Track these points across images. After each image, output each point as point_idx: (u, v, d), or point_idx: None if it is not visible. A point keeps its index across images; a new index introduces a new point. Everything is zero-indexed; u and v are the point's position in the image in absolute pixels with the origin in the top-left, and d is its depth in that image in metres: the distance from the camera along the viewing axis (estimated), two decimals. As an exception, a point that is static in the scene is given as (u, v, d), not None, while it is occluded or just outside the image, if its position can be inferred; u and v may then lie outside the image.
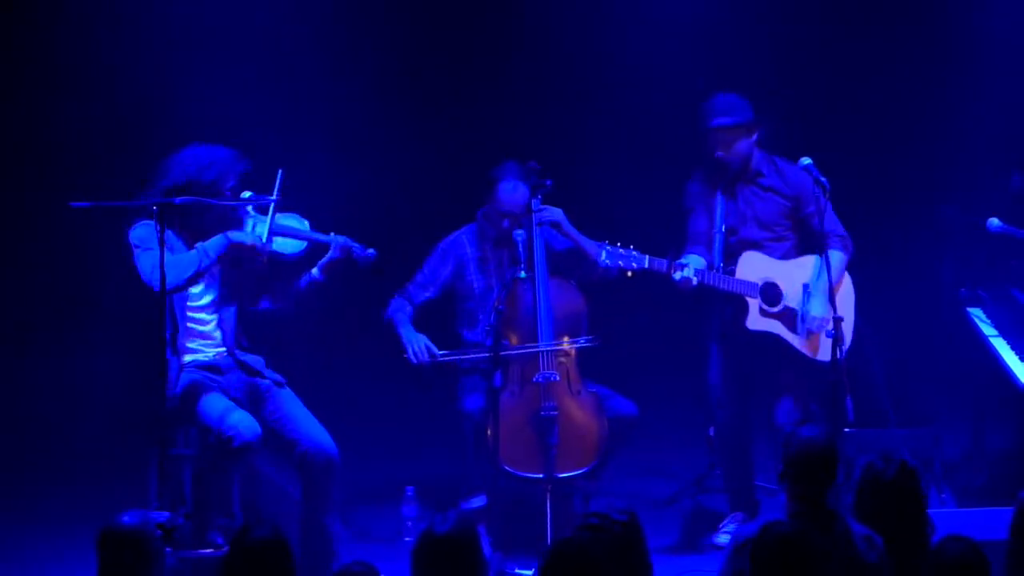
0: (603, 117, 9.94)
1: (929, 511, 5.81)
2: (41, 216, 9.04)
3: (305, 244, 7.62)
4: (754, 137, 8.01)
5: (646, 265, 7.70)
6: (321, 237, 7.63)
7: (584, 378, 7.99)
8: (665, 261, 7.72)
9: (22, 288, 9.41)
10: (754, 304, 7.85)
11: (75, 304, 9.23)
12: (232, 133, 7.72)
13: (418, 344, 8.04)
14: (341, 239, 7.60)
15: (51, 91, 9.33)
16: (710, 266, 7.87)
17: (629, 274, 7.72)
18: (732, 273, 7.88)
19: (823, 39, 9.92)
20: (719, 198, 8.00)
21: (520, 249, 7.95)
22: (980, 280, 8.65)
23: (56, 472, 8.97)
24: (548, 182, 8.06)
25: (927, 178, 9.76)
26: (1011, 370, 8.19)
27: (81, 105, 9.30)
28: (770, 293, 7.87)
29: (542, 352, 7.86)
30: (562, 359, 7.91)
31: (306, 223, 7.67)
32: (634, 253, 7.70)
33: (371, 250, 7.65)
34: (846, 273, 8.05)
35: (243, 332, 7.60)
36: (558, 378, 7.88)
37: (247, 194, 7.49)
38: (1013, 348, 8.28)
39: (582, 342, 7.94)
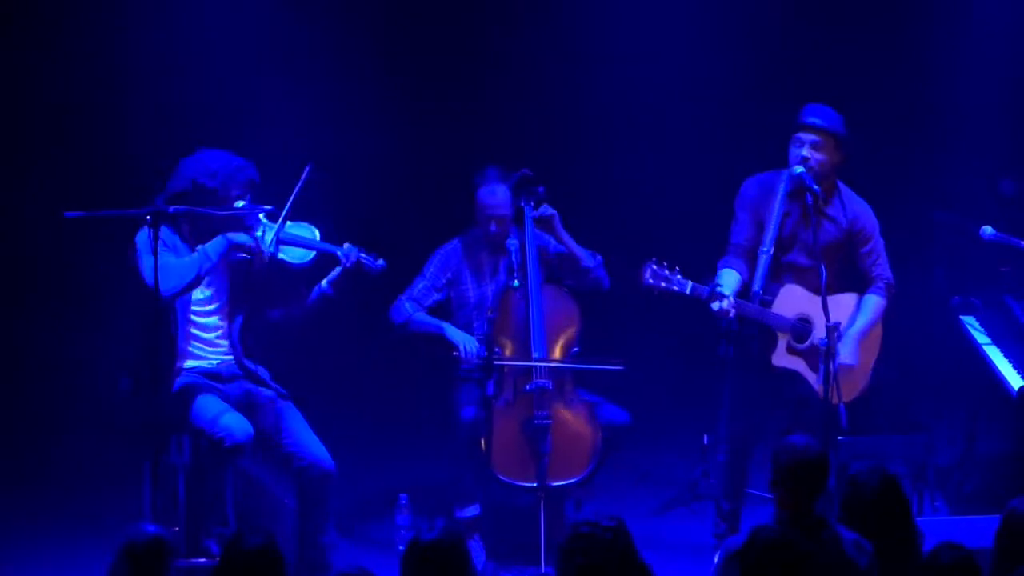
0: (598, 123, 9.95)
1: (921, 518, 5.82)
2: (36, 223, 9.03)
3: (314, 254, 7.60)
4: (838, 158, 7.74)
5: (687, 291, 7.50)
6: (331, 248, 7.61)
7: (577, 386, 8.00)
8: (707, 288, 7.49)
9: (16, 295, 9.41)
10: (783, 340, 7.65)
11: (71, 310, 9.24)
12: (228, 136, 7.74)
13: (471, 344, 8.00)
14: (354, 251, 7.59)
15: (48, 95, 9.33)
16: (745, 286, 7.68)
17: (656, 293, 7.55)
18: (769, 304, 7.65)
19: (816, 46, 9.93)
20: (776, 214, 7.73)
21: (514, 258, 7.96)
22: (973, 287, 8.65)
23: (50, 480, 8.97)
24: (541, 189, 8.07)
25: (919, 185, 9.77)
26: (1004, 378, 8.21)
27: (78, 110, 9.31)
28: (800, 329, 7.65)
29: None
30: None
31: (317, 232, 7.65)
32: (678, 277, 7.51)
33: (381, 261, 7.64)
34: (879, 325, 7.88)
35: (251, 342, 7.60)
36: (551, 386, 7.88)
37: (240, 203, 7.49)
38: (1007, 356, 8.29)
39: (607, 367, 7.90)
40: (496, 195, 8.09)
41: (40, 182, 9.26)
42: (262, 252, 7.43)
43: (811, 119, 7.72)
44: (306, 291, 7.64)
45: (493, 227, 8.10)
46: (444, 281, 8.24)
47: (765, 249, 7.73)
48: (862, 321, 7.79)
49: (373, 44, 9.66)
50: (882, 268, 7.87)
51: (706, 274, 7.84)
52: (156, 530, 5.47)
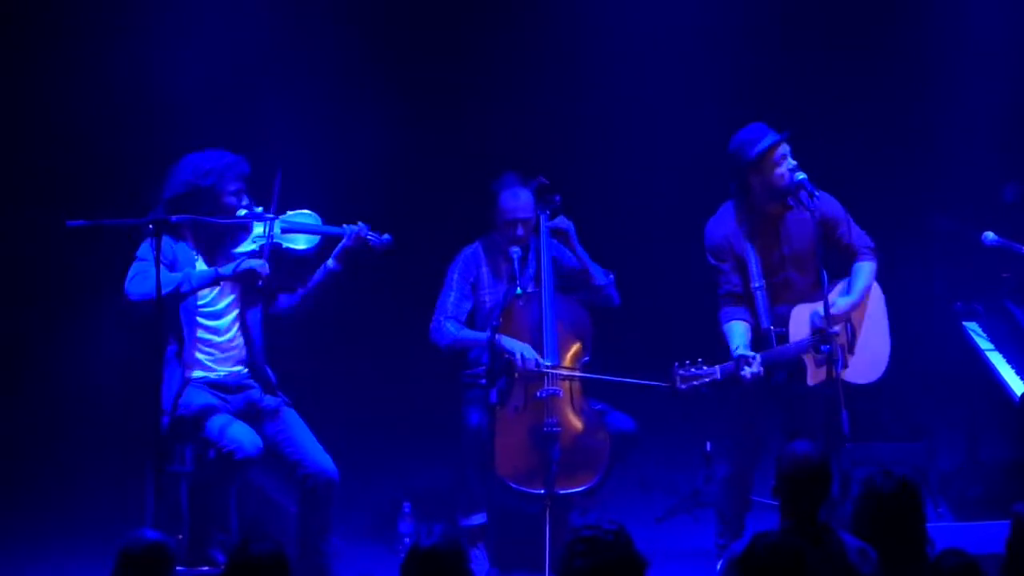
0: (608, 132, 9.96)
1: (927, 525, 5.80)
2: (38, 231, 9.03)
3: (318, 239, 7.64)
4: None
5: (719, 376, 7.46)
6: (334, 229, 7.64)
7: (586, 394, 7.99)
8: (732, 364, 7.45)
9: (19, 303, 9.41)
10: (810, 360, 7.59)
11: (73, 319, 9.24)
12: (235, 144, 7.75)
13: (528, 352, 7.91)
14: (355, 228, 7.61)
15: (49, 102, 9.34)
16: (755, 330, 7.63)
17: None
18: (785, 335, 7.61)
19: (814, 50, 9.94)
20: (749, 247, 7.72)
21: (516, 266, 7.96)
22: (973, 293, 8.66)
23: (53, 489, 8.96)
24: (557, 197, 8.06)
25: (919, 189, 9.78)
26: (1007, 383, 8.20)
27: (80, 118, 9.31)
28: (818, 342, 7.58)
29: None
30: (563, 377, 7.91)
31: (317, 218, 7.68)
32: (704, 368, 7.46)
33: (386, 235, 7.67)
34: (878, 289, 7.88)
35: (267, 339, 7.61)
36: (561, 394, 7.87)
37: (243, 212, 7.50)
38: (1009, 361, 8.29)
39: (658, 384, 7.80)
40: (519, 198, 8.08)
41: (42, 190, 9.26)
42: (260, 273, 7.41)
43: (775, 136, 7.68)
44: (312, 277, 7.66)
45: (519, 230, 8.06)
46: (470, 286, 8.22)
47: (757, 285, 7.71)
48: (859, 284, 7.79)
49: (378, 51, 9.66)
50: (858, 237, 7.85)
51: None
52: (155, 536, 5.47)
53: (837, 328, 7.49)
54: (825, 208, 7.78)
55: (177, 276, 7.30)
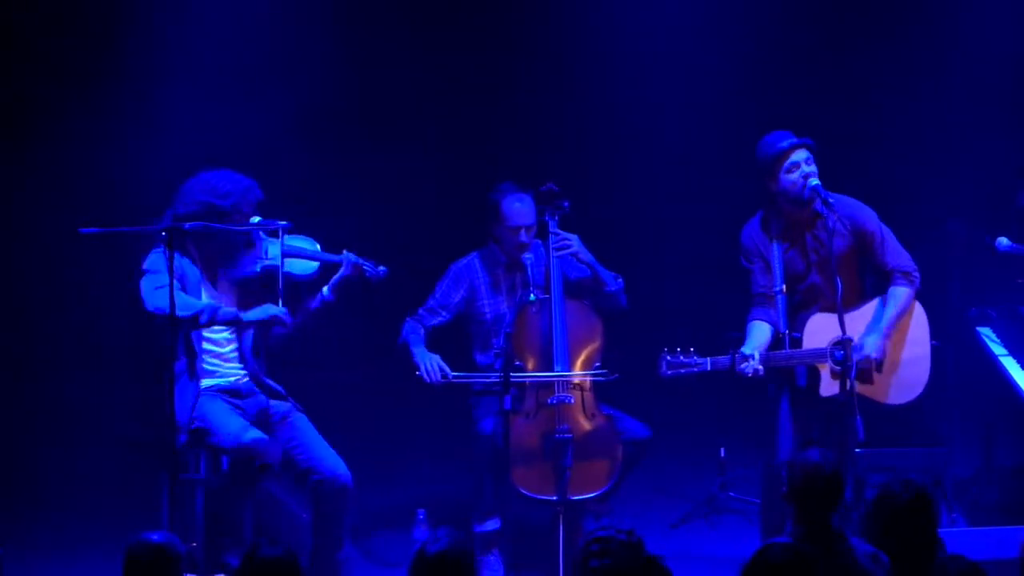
0: (616, 137, 9.96)
1: (940, 531, 5.79)
2: (51, 240, 9.06)
3: (317, 265, 7.65)
4: None
5: (709, 368, 7.53)
6: (332, 257, 7.65)
7: (598, 400, 7.99)
8: (728, 358, 7.50)
9: (34, 312, 9.43)
10: (825, 370, 7.62)
11: (89, 328, 9.26)
12: (239, 156, 7.78)
13: (431, 364, 7.98)
14: (352, 257, 7.63)
15: (62, 114, 9.38)
16: (775, 333, 7.68)
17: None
18: (798, 341, 7.66)
19: (827, 53, 9.94)
20: (776, 251, 7.78)
21: (530, 272, 7.96)
22: (988, 298, 8.64)
23: (68, 499, 8.98)
24: (566, 204, 8.06)
25: (933, 194, 9.76)
26: (1021, 389, 8.18)
27: (89, 129, 9.35)
28: (839, 352, 7.57)
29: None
30: (577, 381, 7.92)
31: (316, 244, 7.70)
32: (695, 359, 7.53)
33: (382, 267, 7.68)
34: (918, 306, 7.85)
35: (264, 357, 7.62)
36: (572, 400, 7.88)
37: (256, 219, 7.52)
38: (1023, 367, 8.28)
39: (599, 376, 7.89)
40: (524, 205, 8.08)
41: (55, 197, 9.29)
42: (284, 320, 7.43)
43: (792, 140, 7.72)
44: (307, 304, 7.67)
45: (523, 236, 8.07)
46: (458, 299, 8.21)
47: (778, 289, 7.74)
48: (887, 314, 7.76)
49: (379, 57, 9.69)
50: (895, 258, 7.84)
51: (730, 289, 7.89)
52: (160, 537, 5.47)
53: (857, 345, 7.46)
54: (857, 219, 7.80)
55: (199, 304, 7.29)
